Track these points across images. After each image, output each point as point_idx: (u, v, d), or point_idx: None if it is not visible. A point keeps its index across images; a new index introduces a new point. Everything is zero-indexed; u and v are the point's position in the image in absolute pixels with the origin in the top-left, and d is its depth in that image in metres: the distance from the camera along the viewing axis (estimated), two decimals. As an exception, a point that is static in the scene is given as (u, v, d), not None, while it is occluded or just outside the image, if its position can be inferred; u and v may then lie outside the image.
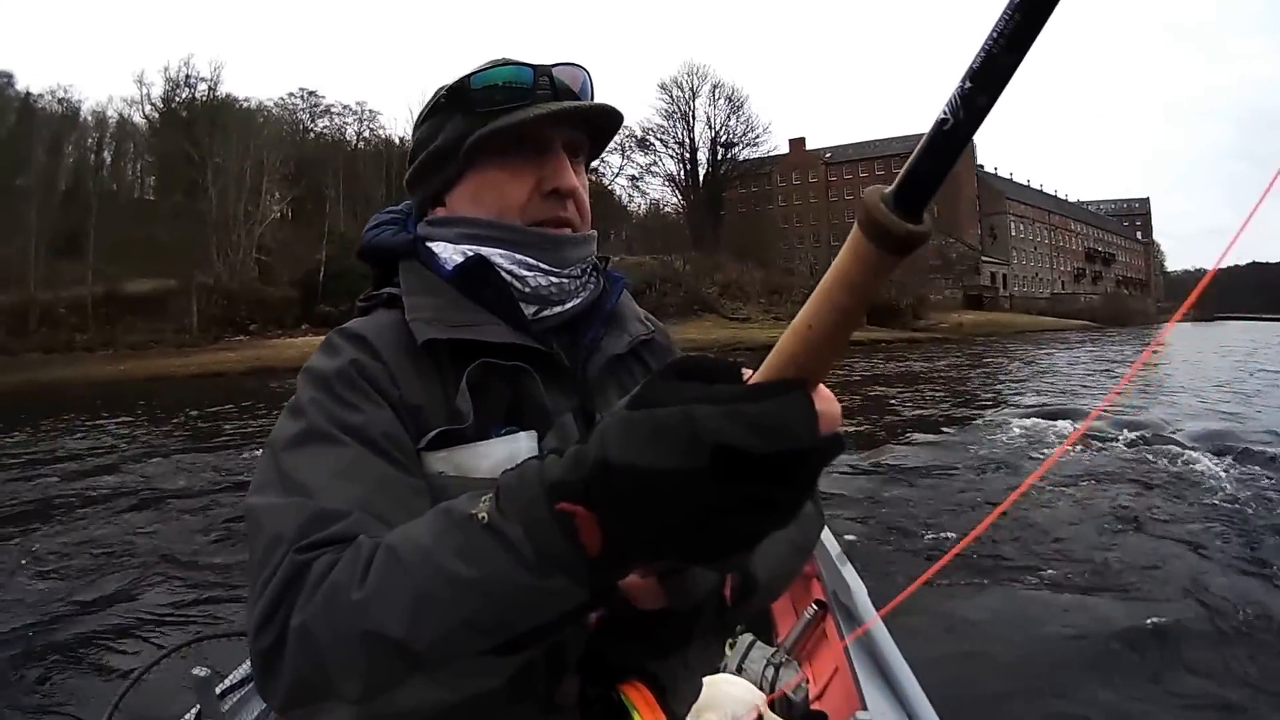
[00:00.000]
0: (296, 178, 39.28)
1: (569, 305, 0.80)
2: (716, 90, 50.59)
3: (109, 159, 43.94)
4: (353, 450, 0.63)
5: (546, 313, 0.79)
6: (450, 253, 0.79)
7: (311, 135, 44.93)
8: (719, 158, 50.57)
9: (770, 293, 45.58)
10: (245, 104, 43.18)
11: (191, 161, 38.03)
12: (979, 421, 11.09)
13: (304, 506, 0.58)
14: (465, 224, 0.79)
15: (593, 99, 0.81)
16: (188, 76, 43.09)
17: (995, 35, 0.34)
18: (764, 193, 55.02)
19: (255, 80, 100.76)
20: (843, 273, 0.40)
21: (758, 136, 50.97)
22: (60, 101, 42.85)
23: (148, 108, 44.45)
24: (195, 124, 39.80)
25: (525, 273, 0.77)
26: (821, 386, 0.43)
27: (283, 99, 46.31)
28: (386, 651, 0.48)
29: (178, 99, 42.71)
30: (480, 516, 0.48)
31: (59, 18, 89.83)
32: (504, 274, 0.76)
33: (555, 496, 0.45)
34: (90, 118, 43.25)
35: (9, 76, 44.23)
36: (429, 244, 0.81)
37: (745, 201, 54.12)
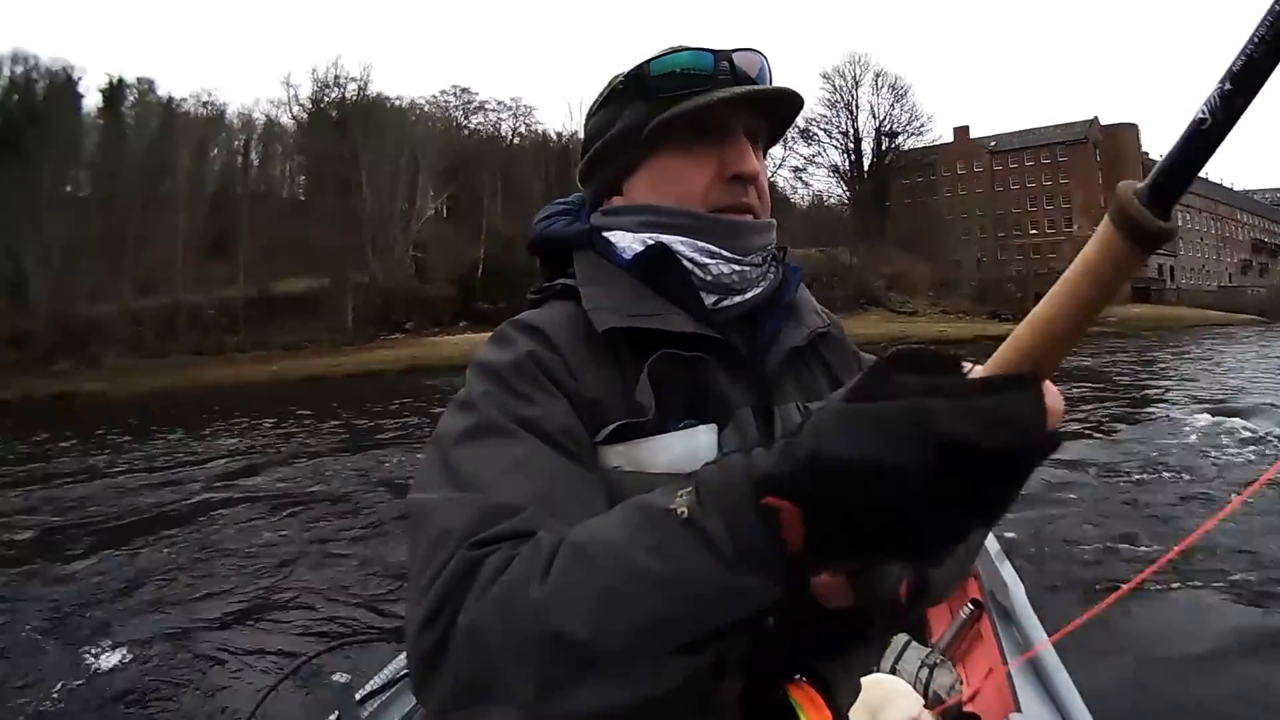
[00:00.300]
0: (452, 175, 37.95)
1: (749, 295, 0.76)
2: (879, 79, 48.79)
3: (257, 161, 43.51)
4: (528, 444, 0.61)
5: (727, 302, 0.74)
6: (629, 241, 0.75)
7: (465, 132, 43.93)
8: (883, 147, 48.86)
9: (937, 285, 43.56)
10: (396, 102, 42.50)
11: (344, 161, 37.04)
12: (1152, 420, 10.85)
13: (475, 501, 0.56)
14: (645, 211, 0.75)
15: (771, 85, 0.77)
16: (336, 77, 42.80)
17: (1257, 40, 0.34)
18: (929, 183, 52.57)
19: (405, 79, 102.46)
20: (1090, 266, 0.39)
21: (922, 125, 49.26)
22: (204, 105, 42.79)
23: (295, 109, 44.20)
24: (347, 123, 38.95)
25: (707, 260, 0.73)
26: (1047, 381, 0.42)
27: (434, 97, 45.65)
28: (566, 652, 0.47)
29: (326, 99, 42.26)
30: (679, 511, 0.46)
31: (202, 24, 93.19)
32: (685, 262, 0.73)
33: (761, 491, 0.43)
34: (236, 120, 43.08)
35: (150, 83, 44.41)
36: (605, 234, 0.77)
37: (910, 192, 51.91)
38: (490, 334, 0.72)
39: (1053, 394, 0.42)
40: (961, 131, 53.18)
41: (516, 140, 45.90)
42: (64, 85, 44.22)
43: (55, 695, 4.08)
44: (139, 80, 44.67)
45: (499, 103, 47.54)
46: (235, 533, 6.96)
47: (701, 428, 0.65)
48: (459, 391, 0.67)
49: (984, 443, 0.37)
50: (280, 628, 4.58)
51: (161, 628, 4.67)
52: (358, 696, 1.56)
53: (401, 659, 1.70)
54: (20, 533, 8.05)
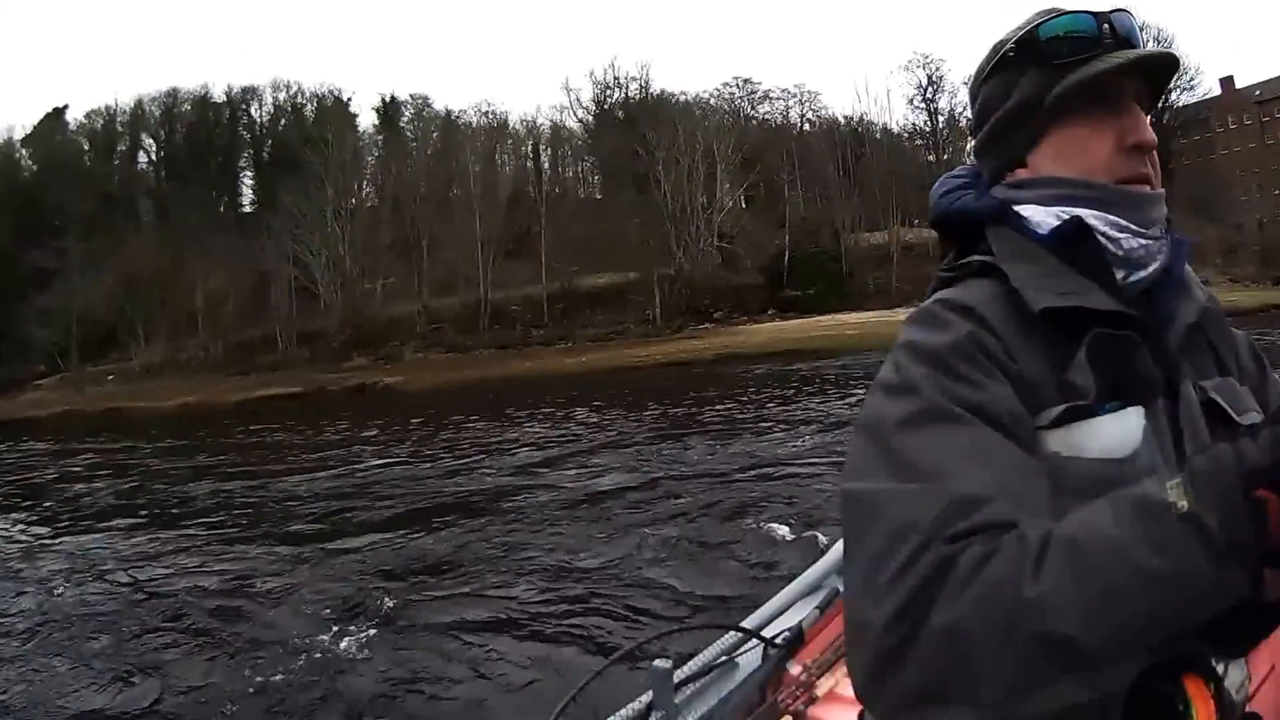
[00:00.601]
0: (749, 166, 38.64)
1: (1150, 269, 0.72)
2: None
3: (548, 164, 45.20)
4: (980, 430, 0.58)
5: (1133, 278, 0.71)
6: (1043, 216, 0.72)
7: (754, 122, 44.33)
8: (1158, 106, 45.35)
9: (1225, 252, 40.48)
10: (680, 97, 43.25)
11: (638, 157, 37.97)
12: None
13: (938, 492, 0.54)
14: (1057, 184, 0.72)
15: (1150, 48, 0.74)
16: (616, 78, 44.11)
17: None
18: (1204, 141, 49.04)
19: (682, 74, 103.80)
20: None
21: (1191, 80, 46.01)
22: (484, 115, 44.63)
23: (579, 112, 45.66)
24: (635, 121, 39.90)
25: (1118, 234, 0.70)
26: None
27: (718, 89, 46.08)
28: (1051, 652, 0.46)
29: (609, 100, 43.57)
30: (1180, 505, 0.44)
31: (466, 40, 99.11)
32: (1099, 237, 0.70)
33: (1253, 484, 0.42)
34: (520, 127, 44.84)
35: (424, 98, 46.73)
36: (1016, 208, 0.74)
37: (1190, 152, 48.43)
38: (911, 315, 0.71)
39: None
40: (1226, 83, 48.95)
41: (806, 127, 45.96)
42: (335, 106, 47.13)
43: (371, 672, 4.18)
44: (412, 97, 47.37)
45: (783, 90, 47.88)
46: (557, 515, 7.06)
47: (1130, 410, 0.63)
48: (883, 374, 0.65)
49: None
50: (597, 610, 4.68)
51: (483, 613, 4.80)
52: (675, 681, 1.55)
53: (716, 647, 1.70)
54: (337, 511, 8.35)
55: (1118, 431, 0.61)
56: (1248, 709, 1.70)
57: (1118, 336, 0.64)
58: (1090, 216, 0.69)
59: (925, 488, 0.54)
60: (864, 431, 0.62)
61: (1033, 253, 0.70)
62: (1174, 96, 45.62)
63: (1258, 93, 48.19)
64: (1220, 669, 0.53)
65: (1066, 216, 0.70)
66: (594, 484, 8.38)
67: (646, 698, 1.52)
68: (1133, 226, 0.70)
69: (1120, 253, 0.70)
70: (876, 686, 0.51)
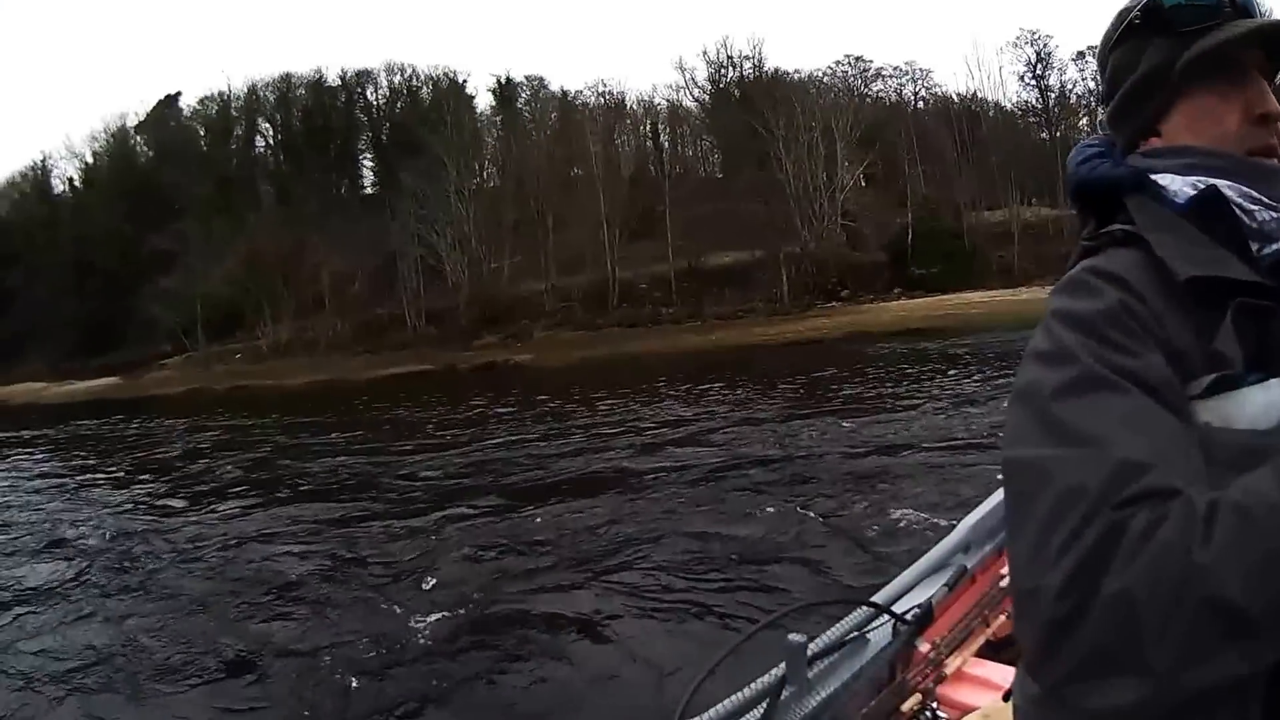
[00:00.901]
0: (868, 143, 39.16)
1: (1278, 243, 0.70)
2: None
3: (667, 144, 46.51)
4: (1137, 398, 0.58)
5: (1266, 250, 0.69)
6: (1179, 185, 0.72)
7: (869, 100, 44.80)
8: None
9: None
10: (794, 75, 44.09)
11: (757, 135, 38.99)
12: None
13: (1102, 458, 0.54)
14: (1193, 154, 0.73)
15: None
16: (729, 56, 44.91)
17: None
18: None
19: (793, 53, 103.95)
20: None
21: None
22: (601, 95, 45.84)
23: (695, 91, 46.64)
24: (752, 99, 40.86)
25: (1251, 206, 0.70)
26: None
27: (830, 68, 46.40)
28: (1219, 619, 0.46)
29: (724, 79, 44.56)
30: None
31: (587, 20, 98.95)
32: (1235, 207, 0.69)
33: None
34: (638, 106, 46.15)
35: (539, 79, 48.01)
36: (1153, 176, 0.74)
37: None
38: (1060, 284, 0.71)
39: None
40: None
41: (920, 105, 46.57)
42: (450, 87, 48.45)
43: (508, 643, 4.28)
44: (527, 78, 48.66)
45: (895, 68, 47.92)
46: (687, 492, 7.15)
47: (1274, 381, 0.61)
48: (1036, 343, 0.65)
49: None
50: (729, 586, 4.77)
51: (611, 583, 4.95)
52: (808, 655, 1.55)
53: (848, 622, 1.69)
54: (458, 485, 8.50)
55: (1264, 402, 0.60)
56: None
57: (1260, 306, 0.64)
58: (1225, 187, 0.70)
59: (1089, 453, 0.54)
60: (1022, 399, 0.62)
61: (1173, 222, 0.70)
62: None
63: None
64: None
65: (1203, 186, 0.70)
66: (725, 461, 8.51)
67: (780, 670, 1.51)
68: (1264, 199, 0.70)
69: (1254, 224, 0.69)
70: (1049, 655, 0.51)
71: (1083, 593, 0.49)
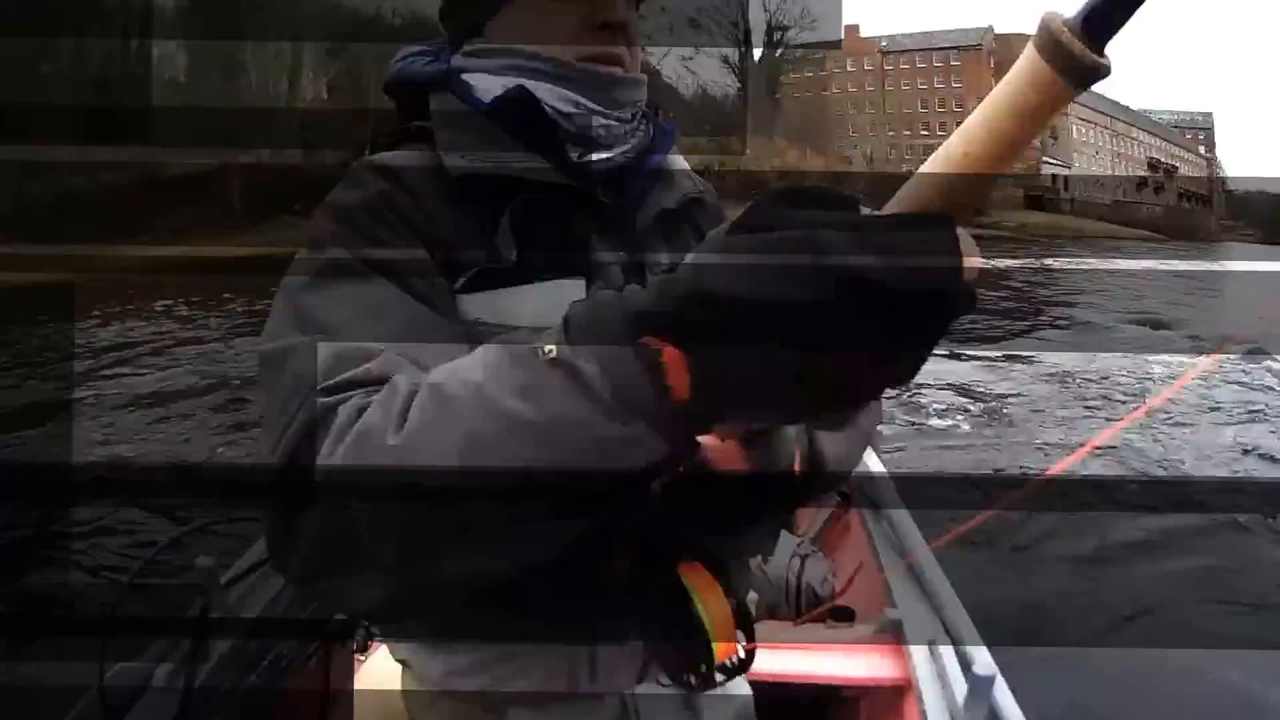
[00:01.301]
0: (335, 56, 37.55)
1: (616, 150, 0.70)
2: None
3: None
4: (382, 287, 0.57)
5: (592, 156, 0.69)
6: (489, 84, 0.69)
7: (343, 12, 42.61)
8: (774, 40, 48.92)
9: (829, 179, 44.32)
10: None
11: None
12: (1066, 330, 10.89)
13: (329, 347, 0.52)
14: (508, 55, 0.70)
15: None
16: None
17: None
18: (819, 79, 53.70)
19: None
20: (1011, 97, 0.35)
21: (814, 21, 48.70)
22: None
23: None
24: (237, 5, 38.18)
25: (572, 110, 0.68)
26: (961, 229, 0.35)
27: None
28: (426, 509, 0.43)
29: None
30: (546, 350, 0.41)
31: None
32: (549, 109, 0.67)
33: (638, 329, 0.38)
34: None
35: None
36: (465, 75, 0.71)
37: (802, 88, 52.95)
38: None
39: (968, 242, 0.35)
40: (851, 30, 54.36)
41: (398, 22, 44.92)
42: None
43: None
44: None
45: None
46: None
47: (567, 281, 0.63)
48: (309, 235, 0.63)
49: (889, 281, 0.33)
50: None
51: None
52: (223, 581, 1.47)
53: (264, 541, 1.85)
54: None
55: (551, 301, 0.59)
56: (838, 602, 1.78)
57: (550, 207, 0.64)
58: (541, 89, 0.67)
59: (316, 340, 0.53)
60: (280, 292, 0.59)
61: (471, 119, 0.68)
62: (792, 34, 49.49)
63: (883, 43, 54.40)
64: (796, 564, 0.59)
65: (512, 86, 0.67)
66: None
67: (200, 602, 1.39)
68: (594, 106, 0.68)
69: (574, 129, 0.68)
70: (282, 552, 0.50)
71: (299, 481, 0.46)
